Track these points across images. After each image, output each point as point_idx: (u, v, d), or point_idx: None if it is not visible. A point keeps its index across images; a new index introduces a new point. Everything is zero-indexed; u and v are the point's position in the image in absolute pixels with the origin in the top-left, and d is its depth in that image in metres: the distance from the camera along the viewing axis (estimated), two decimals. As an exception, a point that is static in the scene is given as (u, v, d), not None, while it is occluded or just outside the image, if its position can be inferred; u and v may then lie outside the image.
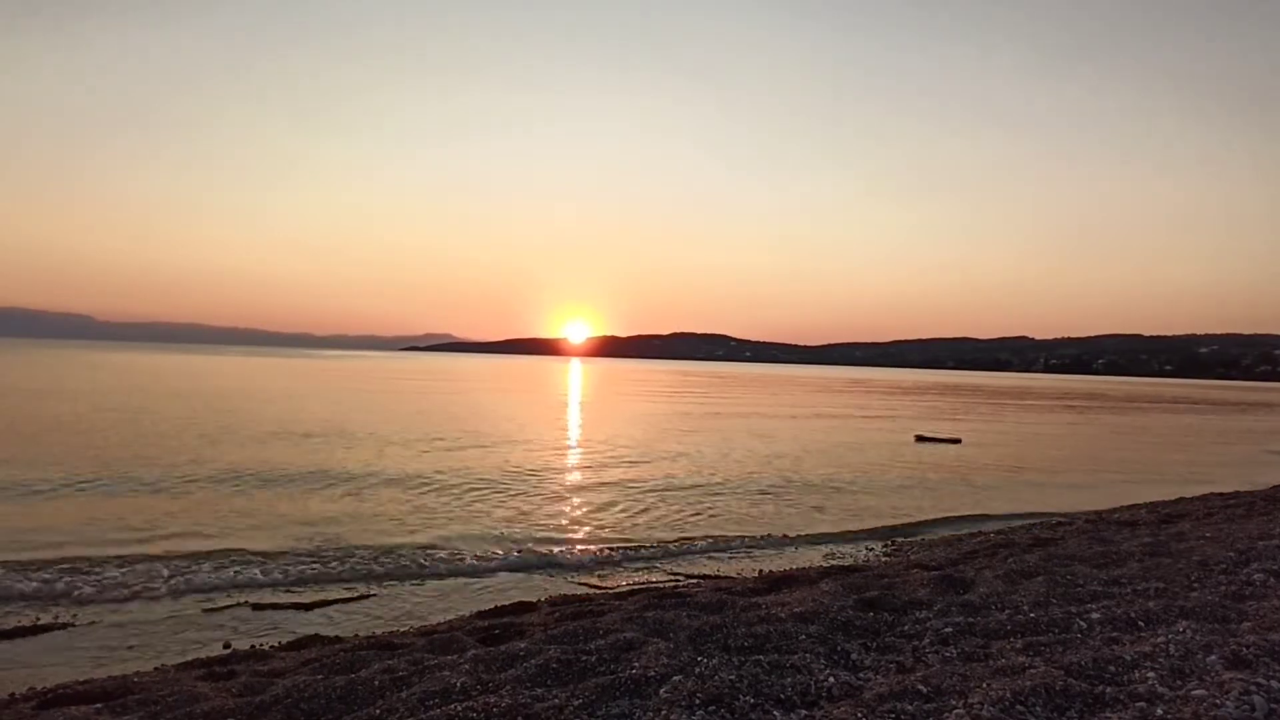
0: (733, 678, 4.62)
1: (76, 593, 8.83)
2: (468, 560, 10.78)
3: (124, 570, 9.68)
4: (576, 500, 15.57)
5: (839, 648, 5.38)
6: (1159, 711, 3.84)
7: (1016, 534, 12.50)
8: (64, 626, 7.88)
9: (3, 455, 18.04)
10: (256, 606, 8.67)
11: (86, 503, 13.44)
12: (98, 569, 9.69)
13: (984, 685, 4.26)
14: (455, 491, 15.76)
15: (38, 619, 7.99)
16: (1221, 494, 16.98)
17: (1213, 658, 4.52)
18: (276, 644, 7.34)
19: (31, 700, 5.68)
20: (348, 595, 9.16)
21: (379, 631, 7.72)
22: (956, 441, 29.45)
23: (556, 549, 11.54)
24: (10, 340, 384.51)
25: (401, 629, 7.88)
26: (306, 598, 9.01)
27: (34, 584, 9.01)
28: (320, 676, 5.39)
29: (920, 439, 30.10)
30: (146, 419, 27.33)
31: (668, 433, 30.15)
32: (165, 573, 9.63)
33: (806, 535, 13.04)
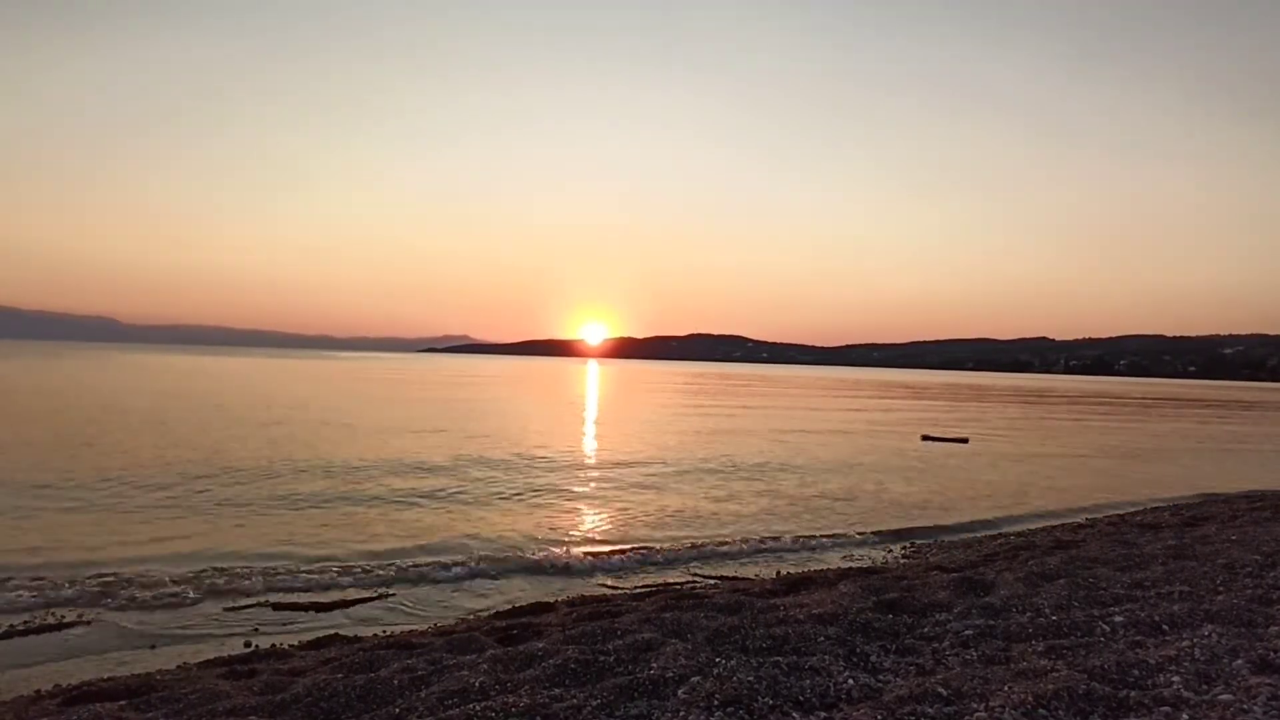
0: (751, 679, 4.61)
1: (100, 591, 8.94)
2: (485, 561, 10.81)
3: (147, 570, 9.80)
4: (593, 502, 15.58)
5: (858, 650, 5.34)
6: (1184, 716, 3.78)
7: (1037, 536, 12.37)
8: (88, 625, 7.99)
9: (38, 459, 18.35)
10: (277, 606, 8.75)
11: (113, 505, 13.62)
12: (121, 568, 9.81)
13: (1005, 688, 4.22)
14: (473, 492, 15.82)
15: (63, 617, 8.11)
16: (1247, 495, 16.72)
17: (1239, 662, 4.45)
18: (297, 643, 7.40)
19: (57, 697, 5.77)
20: (367, 595, 9.23)
21: (398, 631, 7.77)
22: (964, 441, 29.23)
23: (573, 550, 11.55)
24: (36, 343, 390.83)
25: (420, 629, 7.92)
26: (326, 598, 9.08)
27: (59, 583, 9.13)
28: (340, 675, 5.43)
29: (926, 439, 29.89)
30: (173, 421, 27.70)
31: (682, 435, 30.10)
32: (187, 572, 9.74)
33: (823, 537, 12.95)
